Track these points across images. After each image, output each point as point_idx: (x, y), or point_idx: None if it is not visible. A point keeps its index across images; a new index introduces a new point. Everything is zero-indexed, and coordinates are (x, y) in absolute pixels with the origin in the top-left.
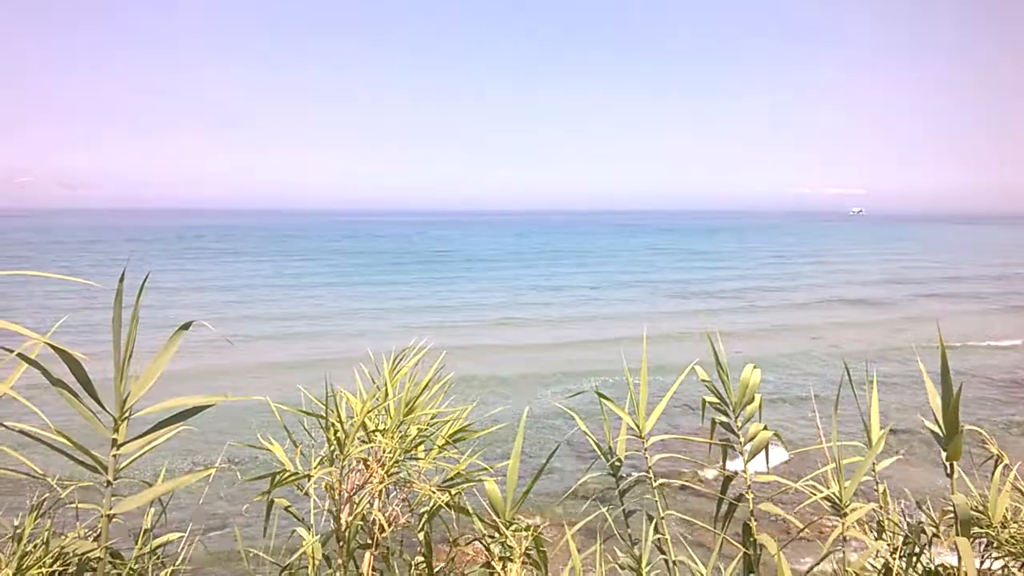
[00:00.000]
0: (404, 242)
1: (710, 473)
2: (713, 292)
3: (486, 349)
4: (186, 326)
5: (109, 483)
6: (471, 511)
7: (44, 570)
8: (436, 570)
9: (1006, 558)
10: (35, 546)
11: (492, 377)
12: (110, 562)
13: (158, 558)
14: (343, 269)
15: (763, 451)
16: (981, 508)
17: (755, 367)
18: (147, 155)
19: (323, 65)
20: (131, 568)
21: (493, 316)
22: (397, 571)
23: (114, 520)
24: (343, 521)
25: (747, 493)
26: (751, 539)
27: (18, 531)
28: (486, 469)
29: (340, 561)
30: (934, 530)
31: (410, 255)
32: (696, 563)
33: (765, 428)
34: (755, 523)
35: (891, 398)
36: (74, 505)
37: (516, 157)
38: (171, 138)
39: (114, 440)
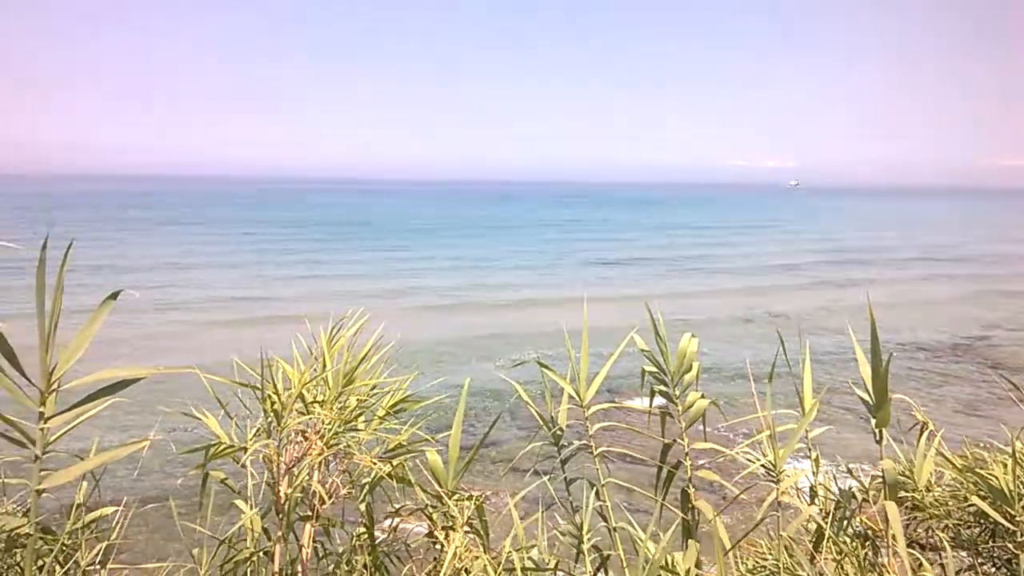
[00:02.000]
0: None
1: (651, 442)
2: (686, 267)
3: (427, 326)
4: (114, 295)
5: (37, 457)
6: (413, 482)
7: None
8: (378, 541)
9: (930, 520)
10: None
11: (435, 351)
12: (41, 538)
13: (91, 532)
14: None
15: (701, 419)
16: (907, 473)
17: (693, 336)
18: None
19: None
20: (63, 543)
21: (438, 297)
22: (339, 542)
23: (46, 496)
24: (282, 493)
25: (685, 460)
26: (689, 505)
27: None
28: (428, 440)
29: (280, 533)
30: (864, 495)
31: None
32: (636, 529)
33: (703, 397)
34: (693, 490)
35: (828, 370)
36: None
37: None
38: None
39: (41, 413)
